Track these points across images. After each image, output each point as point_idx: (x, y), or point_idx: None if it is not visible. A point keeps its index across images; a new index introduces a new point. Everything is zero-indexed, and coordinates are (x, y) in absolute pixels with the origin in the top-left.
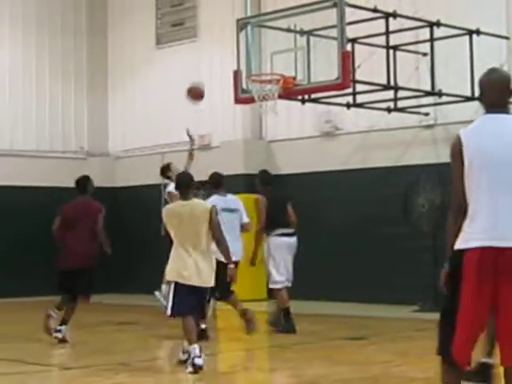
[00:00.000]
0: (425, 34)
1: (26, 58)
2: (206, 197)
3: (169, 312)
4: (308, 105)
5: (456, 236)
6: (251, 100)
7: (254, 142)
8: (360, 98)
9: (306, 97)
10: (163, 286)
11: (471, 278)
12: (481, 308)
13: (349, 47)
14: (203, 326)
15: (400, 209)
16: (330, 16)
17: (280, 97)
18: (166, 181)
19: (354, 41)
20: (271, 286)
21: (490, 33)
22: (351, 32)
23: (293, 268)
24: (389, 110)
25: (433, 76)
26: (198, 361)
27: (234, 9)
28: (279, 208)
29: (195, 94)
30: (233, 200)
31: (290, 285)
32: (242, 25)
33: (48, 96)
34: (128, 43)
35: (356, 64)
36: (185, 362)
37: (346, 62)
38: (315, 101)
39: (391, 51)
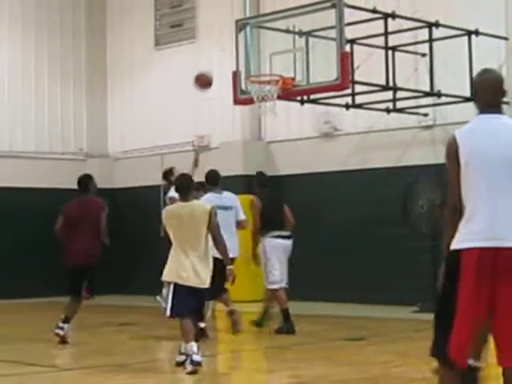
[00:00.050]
0: (424, 34)
1: (24, 58)
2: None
3: (168, 313)
4: (307, 106)
5: (452, 237)
6: (250, 101)
7: (253, 142)
8: (359, 99)
9: (305, 97)
10: (164, 291)
11: (469, 279)
12: (479, 308)
13: (348, 48)
14: (202, 325)
15: (399, 209)
16: (329, 17)
17: (279, 98)
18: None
19: (352, 41)
20: (269, 287)
21: (489, 33)
22: (350, 33)
23: (288, 269)
24: (388, 110)
25: (432, 77)
26: (196, 357)
27: (233, 10)
28: (275, 210)
29: (203, 81)
30: (228, 197)
31: (286, 286)
32: (240, 26)
33: (47, 97)
34: (127, 44)
35: (355, 65)
36: (182, 363)
37: (345, 62)
38: (314, 101)
39: (390, 52)
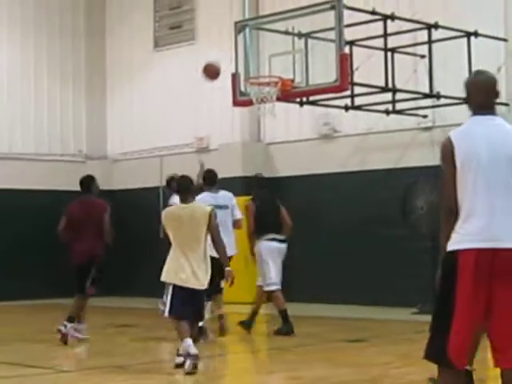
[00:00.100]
0: (423, 36)
1: (24, 59)
2: None
3: (167, 314)
4: (306, 107)
5: (448, 238)
6: (249, 102)
7: (253, 144)
8: (358, 101)
9: (304, 99)
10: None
11: (467, 279)
12: (477, 309)
13: (347, 49)
14: (201, 324)
15: (399, 211)
16: (328, 18)
17: (278, 99)
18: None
19: (352, 43)
20: (266, 289)
21: (488, 35)
22: (349, 34)
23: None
24: (387, 112)
25: (431, 78)
26: (192, 349)
27: (232, 11)
28: (271, 212)
29: (211, 71)
30: (223, 196)
31: (280, 288)
32: (240, 27)
33: (46, 98)
34: (126, 45)
35: (354, 66)
36: (181, 365)
37: (344, 64)
38: (313, 103)
39: (389, 53)
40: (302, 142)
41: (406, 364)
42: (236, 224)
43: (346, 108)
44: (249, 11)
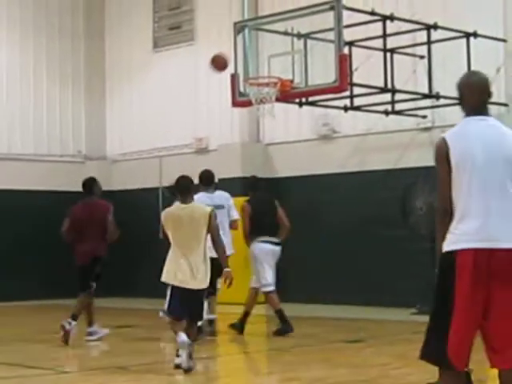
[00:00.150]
0: (422, 36)
1: (23, 60)
2: None
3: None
4: (305, 108)
5: (444, 239)
6: (248, 103)
7: (252, 145)
8: (357, 101)
9: (304, 100)
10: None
11: (465, 279)
12: (475, 308)
13: (346, 50)
14: (199, 323)
15: (398, 211)
16: (328, 19)
17: (277, 100)
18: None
19: (351, 44)
20: (263, 290)
21: (488, 35)
22: (348, 35)
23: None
24: (386, 112)
25: (430, 79)
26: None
27: (231, 12)
28: (268, 213)
29: (219, 63)
30: (219, 196)
31: (275, 289)
32: (239, 28)
33: (46, 99)
34: (125, 46)
35: (353, 67)
36: (180, 365)
37: (344, 64)
38: (312, 104)
39: (388, 54)
40: (302, 142)
41: (405, 365)
42: (233, 224)
43: (346, 108)
44: (248, 12)
